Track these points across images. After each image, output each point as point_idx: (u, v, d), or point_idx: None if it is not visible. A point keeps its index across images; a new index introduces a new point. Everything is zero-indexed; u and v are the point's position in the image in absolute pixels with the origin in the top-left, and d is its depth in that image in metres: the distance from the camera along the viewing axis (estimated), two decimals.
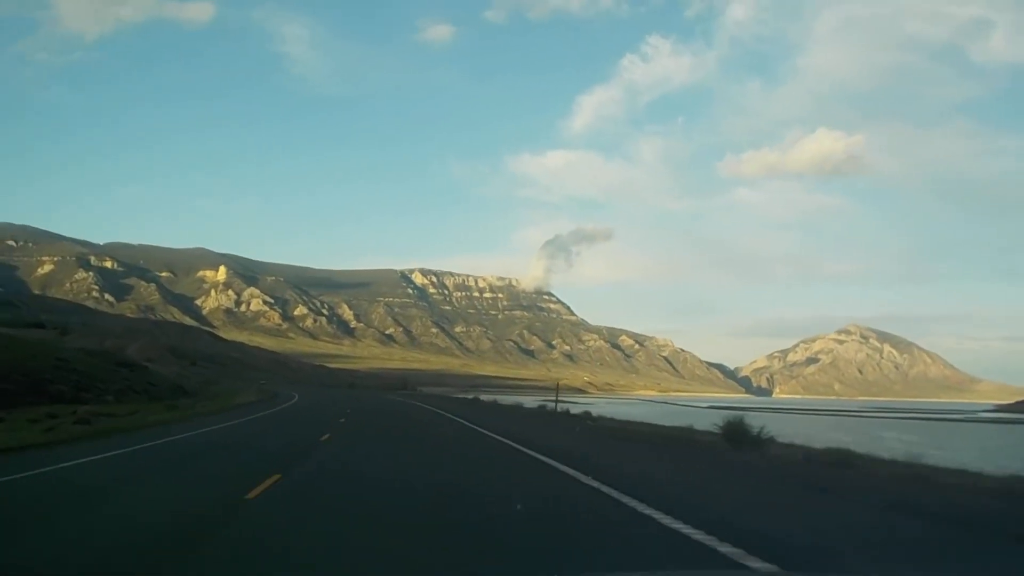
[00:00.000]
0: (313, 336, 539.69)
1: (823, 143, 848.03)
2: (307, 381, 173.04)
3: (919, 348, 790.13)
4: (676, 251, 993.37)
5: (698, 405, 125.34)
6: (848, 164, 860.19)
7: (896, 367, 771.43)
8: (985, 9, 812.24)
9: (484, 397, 72.00)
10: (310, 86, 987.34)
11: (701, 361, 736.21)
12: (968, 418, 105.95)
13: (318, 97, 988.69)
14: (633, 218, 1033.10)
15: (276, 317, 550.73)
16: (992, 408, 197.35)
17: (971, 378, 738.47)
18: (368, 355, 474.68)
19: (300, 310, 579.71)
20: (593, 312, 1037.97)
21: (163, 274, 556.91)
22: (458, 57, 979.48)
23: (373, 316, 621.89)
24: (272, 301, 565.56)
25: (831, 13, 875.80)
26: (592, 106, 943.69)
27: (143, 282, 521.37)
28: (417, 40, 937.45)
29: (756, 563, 6.63)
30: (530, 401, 71.71)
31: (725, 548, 7.27)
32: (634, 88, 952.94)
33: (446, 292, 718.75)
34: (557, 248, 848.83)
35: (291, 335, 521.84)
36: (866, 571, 6.92)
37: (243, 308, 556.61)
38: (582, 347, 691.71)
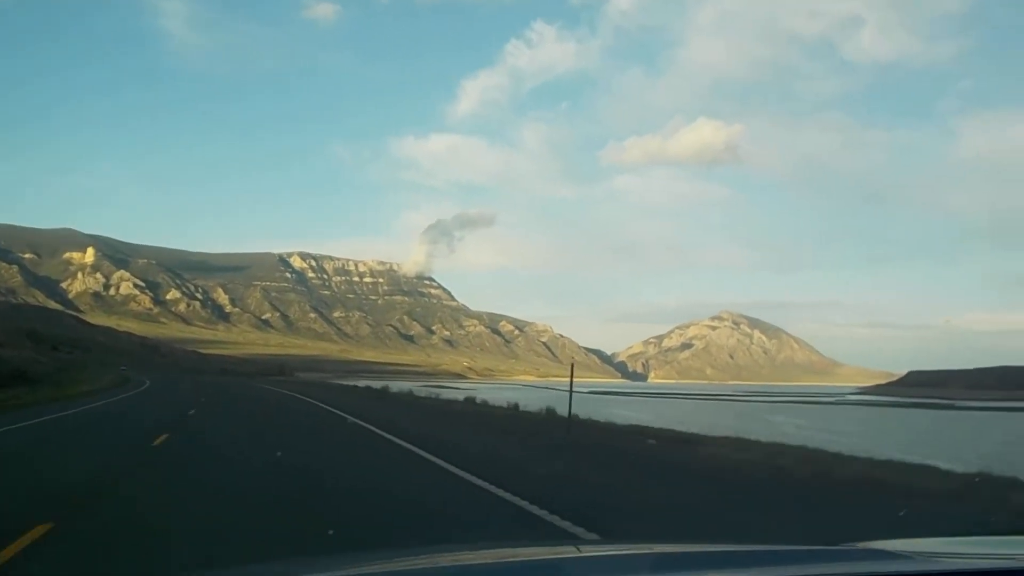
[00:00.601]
0: (186, 321, 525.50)
1: (703, 132, 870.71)
2: (178, 367, 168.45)
3: (787, 334, 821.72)
4: (558, 237, 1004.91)
5: (579, 391, 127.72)
6: (727, 154, 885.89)
7: (765, 352, 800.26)
8: (857, 6, 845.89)
9: (376, 385, 64.29)
10: (188, 63, 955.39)
11: (579, 346, 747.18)
12: (838, 400, 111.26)
13: (196, 74, 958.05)
14: (516, 204, 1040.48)
15: (147, 301, 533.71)
16: (856, 391, 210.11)
17: (834, 362, 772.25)
18: (243, 340, 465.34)
19: (173, 294, 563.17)
20: (474, 298, 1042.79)
21: (26, 255, 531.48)
22: (342, 38, 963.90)
23: (249, 300, 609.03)
24: (143, 285, 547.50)
25: (711, 6, 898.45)
26: (476, 91, 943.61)
27: (4, 264, 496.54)
28: (301, 18, 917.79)
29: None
30: (420, 388, 71.17)
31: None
32: (519, 74, 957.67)
33: (325, 276, 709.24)
34: (439, 233, 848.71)
35: (163, 320, 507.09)
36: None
37: (112, 292, 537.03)
38: (462, 332, 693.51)
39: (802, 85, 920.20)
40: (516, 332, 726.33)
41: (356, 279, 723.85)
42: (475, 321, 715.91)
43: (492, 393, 56.90)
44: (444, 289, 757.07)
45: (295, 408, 36.69)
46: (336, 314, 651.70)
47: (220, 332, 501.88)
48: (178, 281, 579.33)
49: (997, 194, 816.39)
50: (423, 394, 49.10)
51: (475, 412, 31.61)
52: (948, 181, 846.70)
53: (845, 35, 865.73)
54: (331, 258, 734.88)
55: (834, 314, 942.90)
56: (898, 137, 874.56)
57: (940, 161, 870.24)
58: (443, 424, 24.82)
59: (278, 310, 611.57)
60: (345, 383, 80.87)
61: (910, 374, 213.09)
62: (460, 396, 43.86)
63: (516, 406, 32.84)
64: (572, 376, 21.62)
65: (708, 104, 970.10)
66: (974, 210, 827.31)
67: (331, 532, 7.31)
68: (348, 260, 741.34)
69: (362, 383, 77.05)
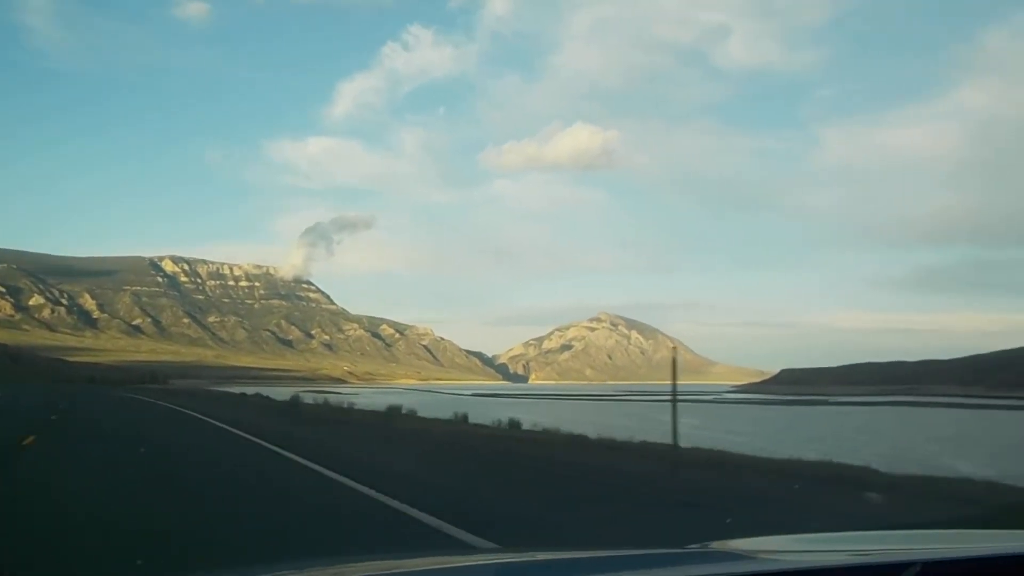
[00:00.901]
0: (51, 328, 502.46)
1: (580, 137, 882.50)
2: (41, 376, 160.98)
3: (663, 334, 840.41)
4: (438, 241, 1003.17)
5: (462, 393, 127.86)
6: (603, 158, 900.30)
7: (642, 352, 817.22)
8: (725, 16, 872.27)
9: (273, 394, 57.76)
10: (52, 60, 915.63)
11: (460, 349, 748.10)
12: (718, 399, 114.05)
13: (60, 72, 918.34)
14: (396, 207, 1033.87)
15: (7, 307, 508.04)
16: (732, 389, 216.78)
17: (708, 361, 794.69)
18: (113, 347, 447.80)
19: (36, 300, 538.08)
20: (354, 301, 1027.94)
21: None
22: (216, 37, 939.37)
23: (119, 306, 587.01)
24: (3, 290, 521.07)
25: (586, 13, 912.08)
26: (353, 93, 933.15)
27: None
28: (171, 16, 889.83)
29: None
30: (306, 393, 65.63)
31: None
32: (396, 77, 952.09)
33: (199, 281, 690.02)
34: (318, 236, 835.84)
35: (25, 327, 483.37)
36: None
37: None
38: (342, 336, 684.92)
39: (675, 91, 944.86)
40: (397, 336, 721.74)
41: (232, 283, 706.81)
42: (355, 325, 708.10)
43: (397, 398, 56.17)
44: (323, 293, 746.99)
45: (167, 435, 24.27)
46: (211, 319, 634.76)
47: (87, 339, 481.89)
48: (41, 286, 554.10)
49: (857, 199, 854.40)
50: (332, 402, 44.82)
51: (450, 431, 26.66)
52: (812, 186, 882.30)
53: (714, 44, 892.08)
54: (205, 262, 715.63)
55: (707, 314, 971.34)
56: (765, 143, 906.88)
57: (804, 167, 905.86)
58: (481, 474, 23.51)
59: (149, 315, 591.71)
60: (229, 390, 78.08)
61: (783, 372, 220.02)
62: (381, 404, 39.55)
63: (465, 417, 29.64)
64: (675, 376, 20.89)
65: (585, 109, 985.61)
66: (837, 214, 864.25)
67: None
68: (223, 264, 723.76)
69: (250, 390, 74.58)
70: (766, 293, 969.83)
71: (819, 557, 1.82)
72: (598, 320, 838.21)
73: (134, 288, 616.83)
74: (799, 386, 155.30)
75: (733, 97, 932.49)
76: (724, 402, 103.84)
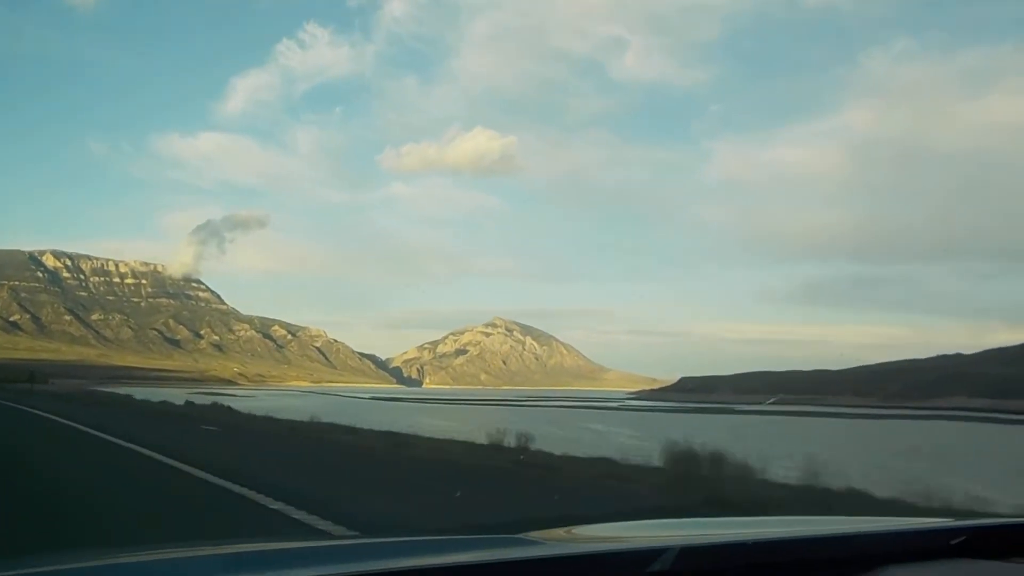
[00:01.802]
0: None
1: (479, 141, 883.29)
2: None
3: (557, 340, 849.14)
4: (333, 242, 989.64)
5: (361, 396, 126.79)
6: (502, 164, 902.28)
7: (537, 358, 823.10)
8: (621, 29, 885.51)
9: (197, 399, 48.92)
10: None
11: (354, 352, 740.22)
12: (624, 406, 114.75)
13: None
14: (290, 207, 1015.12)
15: None
16: (631, 395, 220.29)
17: (601, 367, 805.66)
18: None
19: None
20: (245, 302, 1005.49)
21: None
22: (102, 25, 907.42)
23: None
24: None
25: (484, 19, 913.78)
26: (247, 89, 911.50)
27: None
28: (57, 3, 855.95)
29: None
30: (196, 396, 62.09)
31: None
32: (291, 75, 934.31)
33: (82, 277, 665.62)
34: (209, 234, 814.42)
35: None
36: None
37: None
38: (232, 337, 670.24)
39: (571, 101, 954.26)
40: (289, 337, 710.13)
41: (117, 280, 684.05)
42: (246, 325, 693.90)
43: (302, 402, 54.97)
44: (213, 292, 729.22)
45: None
46: (94, 317, 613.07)
47: None
48: None
49: (746, 214, 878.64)
50: (243, 408, 37.14)
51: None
52: (702, 199, 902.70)
53: (611, 56, 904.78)
54: (89, 257, 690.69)
55: (600, 322, 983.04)
56: (658, 156, 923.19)
57: (695, 180, 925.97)
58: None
59: (28, 311, 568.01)
60: (119, 392, 72.39)
61: (683, 379, 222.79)
62: (303, 412, 31.63)
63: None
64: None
65: (483, 115, 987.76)
66: (726, 228, 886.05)
67: None
68: (108, 260, 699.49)
69: (140, 392, 71.64)
70: (657, 302, 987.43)
71: (576, 547, 1.94)
72: (493, 325, 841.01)
73: (12, 283, 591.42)
74: (698, 393, 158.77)
75: (628, 109, 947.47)
76: (633, 409, 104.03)
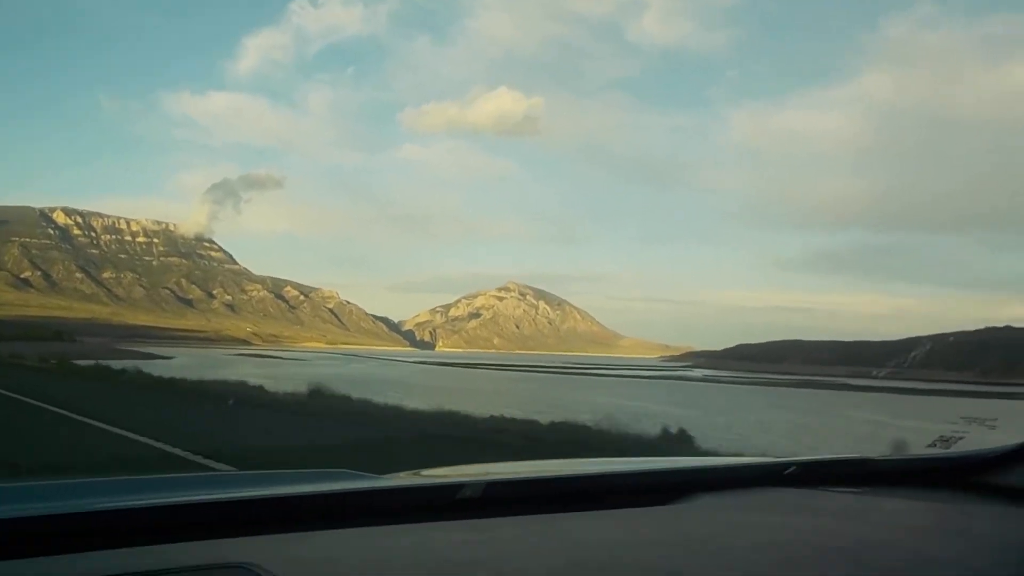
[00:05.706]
0: None
1: (503, 101, 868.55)
2: None
3: (571, 305, 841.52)
4: (346, 204, 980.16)
5: (406, 360, 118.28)
6: (525, 125, 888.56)
7: (550, 323, 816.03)
8: None
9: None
10: None
11: (367, 314, 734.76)
12: (682, 376, 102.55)
13: None
14: (303, 168, 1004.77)
15: None
16: (663, 361, 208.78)
17: (615, 334, 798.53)
18: None
19: None
20: (258, 262, 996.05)
21: None
22: None
23: (6, 258, 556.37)
24: None
25: None
26: (258, 49, 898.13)
27: None
28: None
29: None
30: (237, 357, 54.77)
31: None
32: (303, 34, 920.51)
33: (94, 235, 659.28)
34: (224, 194, 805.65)
35: None
36: None
37: None
38: (245, 297, 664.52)
39: (589, 64, 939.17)
40: (301, 298, 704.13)
41: (128, 238, 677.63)
42: (258, 286, 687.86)
43: (362, 368, 47.80)
44: (225, 252, 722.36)
45: None
46: (106, 275, 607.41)
47: None
48: None
49: (760, 181, 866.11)
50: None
51: None
52: (718, 165, 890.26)
53: (629, 18, 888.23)
54: (100, 215, 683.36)
55: (614, 287, 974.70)
56: (676, 120, 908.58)
57: (712, 146, 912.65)
58: None
59: (39, 269, 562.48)
60: (137, 350, 62.98)
61: (739, 347, 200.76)
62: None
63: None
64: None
65: (500, 77, 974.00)
66: (742, 194, 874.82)
67: None
68: (119, 218, 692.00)
69: (176, 357, 64.06)
70: (671, 268, 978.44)
71: (394, 482, 1.95)
72: (506, 289, 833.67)
73: (23, 239, 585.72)
74: (754, 363, 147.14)
75: (647, 73, 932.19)
76: (692, 380, 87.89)
